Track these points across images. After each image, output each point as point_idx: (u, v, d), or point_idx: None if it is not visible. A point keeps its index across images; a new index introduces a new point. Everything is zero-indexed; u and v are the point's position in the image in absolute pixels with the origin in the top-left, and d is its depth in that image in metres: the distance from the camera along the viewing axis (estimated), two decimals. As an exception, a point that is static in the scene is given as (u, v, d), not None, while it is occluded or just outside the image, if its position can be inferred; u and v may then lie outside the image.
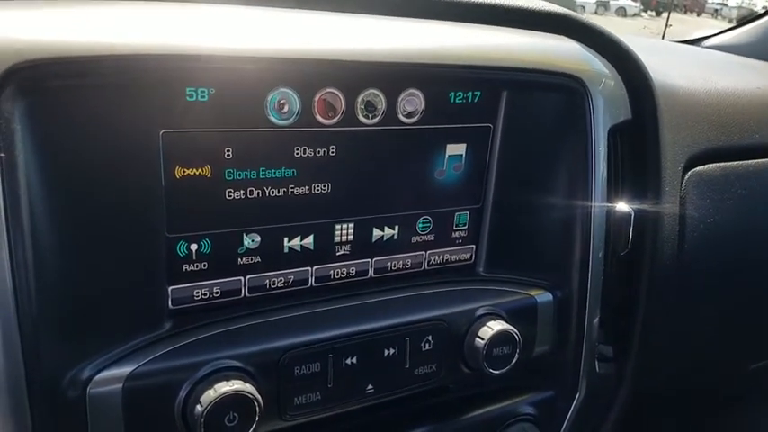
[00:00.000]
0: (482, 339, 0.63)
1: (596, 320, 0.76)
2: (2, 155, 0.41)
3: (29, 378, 0.45)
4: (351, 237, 0.62)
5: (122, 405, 0.48)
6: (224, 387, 0.49)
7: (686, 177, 0.88)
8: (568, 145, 0.70)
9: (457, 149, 0.64)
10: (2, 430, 0.45)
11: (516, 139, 0.67)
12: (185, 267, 0.54)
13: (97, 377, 0.48)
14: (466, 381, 0.70)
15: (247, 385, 0.50)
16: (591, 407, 0.84)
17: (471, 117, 0.64)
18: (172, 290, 0.54)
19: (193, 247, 0.54)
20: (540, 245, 0.72)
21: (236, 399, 0.49)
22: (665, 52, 1.42)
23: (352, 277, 0.64)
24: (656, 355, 0.89)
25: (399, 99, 0.59)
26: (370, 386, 0.60)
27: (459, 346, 0.65)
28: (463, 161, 0.65)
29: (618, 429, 0.96)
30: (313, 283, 0.62)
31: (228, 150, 0.52)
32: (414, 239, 0.66)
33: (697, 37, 1.62)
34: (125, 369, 0.49)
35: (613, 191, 0.80)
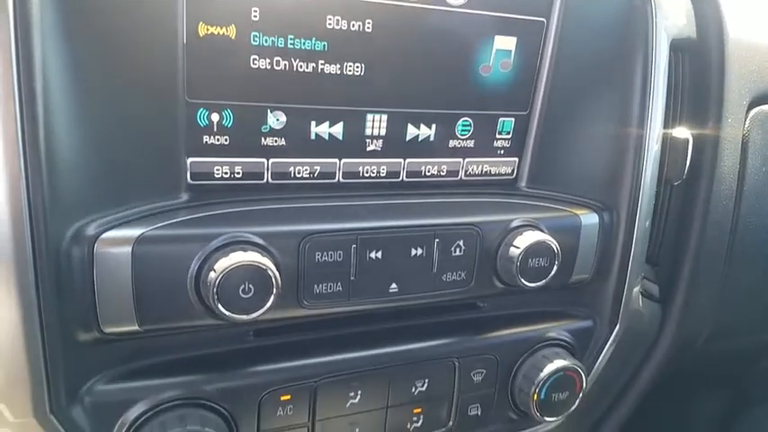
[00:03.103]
0: (517, 248, 0.59)
1: (643, 251, 0.71)
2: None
3: (33, 229, 0.43)
4: (383, 131, 0.58)
5: (132, 268, 0.46)
6: (240, 256, 0.46)
7: (751, 114, 0.81)
8: (627, 52, 0.64)
9: (506, 43, 0.59)
10: (5, 288, 0.43)
11: (571, 41, 0.61)
12: (206, 139, 0.51)
13: (104, 236, 0.45)
14: (498, 299, 0.66)
15: (265, 259, 0.47)
16: (632, 347, 0.79)
17: (524, 8, 0.58)
18: (191, 162, 0.51)
19: (215, 117, 0.51)
20: (589, 162, 0.67)
21: (252, 270, 0.46)
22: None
23: (382, 178, 0.60)
24: (702, 303, 0.83)
25: (445, -24, 0.54)
26: (394, 285, 0.57)
27: (493, 258, 0.61)
28: (512, 58, 0.60)
29: (657, 383, 0.91)
30: (341, 179, 0.58)
31: (255, 11, 0.49)
32: (452, 144, 0.62)
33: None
34: (135, 231, 0.46)
35: (672, 114, 0.74)
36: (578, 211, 0.65)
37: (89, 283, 0.46)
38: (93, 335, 0.47)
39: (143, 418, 0.49)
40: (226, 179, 0.53)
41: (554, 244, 0.59)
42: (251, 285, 0.46)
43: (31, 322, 0.44)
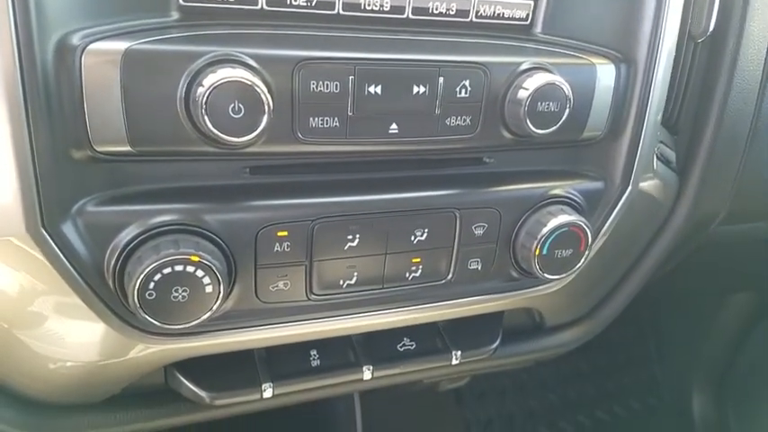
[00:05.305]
0: (526, 90, 0.56)
1: (660, 110, 0.67)
2: None
3: (18, 39, 0.41)
4: (387, -44, 0.54)
5: (120, 84, 0.44)
6: (228, 72, 0.44)
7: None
8: None
9: None
10: None
11: None
12: (195, -46, 0.48)
13: (91, 47, 0.44)
14: (505, 154, 0.64)
15: (255, 78, 0.45)
16: (645, 215, 0.77)
17: None
18: (180, -20, 0.48)
19: (203, -72, 0.47)
20: (608, 9, 0.62)
21: (241, 88, 0.45)
22: None
23: (385, 12, 0.56)
24: (721, 178, 0.80)
25: None
26: (394, 126, 0.55)
27: (500, 104, 0.58)
28: None
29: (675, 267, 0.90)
30: (340, 10, 0.54)
31: None
32: (462, -20, 0.57)
33: None
34: (122, 44, 0.44)
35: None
36: (595, 60, 0.61)
37: (78, 98, 0.44)
38: (86, 153, 0.46)
39: (136, 241, 0.49)
40: (218, 1, 0.50)
41: (565, 87, 0.56)
42: (241, 105, 0.45)
43: (21, 136, 0.43)
